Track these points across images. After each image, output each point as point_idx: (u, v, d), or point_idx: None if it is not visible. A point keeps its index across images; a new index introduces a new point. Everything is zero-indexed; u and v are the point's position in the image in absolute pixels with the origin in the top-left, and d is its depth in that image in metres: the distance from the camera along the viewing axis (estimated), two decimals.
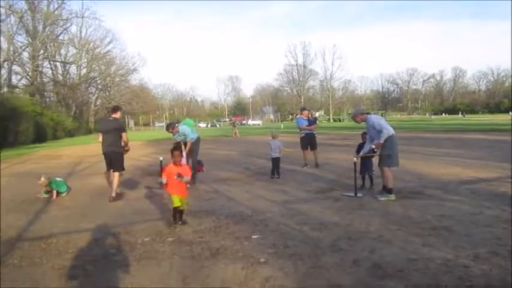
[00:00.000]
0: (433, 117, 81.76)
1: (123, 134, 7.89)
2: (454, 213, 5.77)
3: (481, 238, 4.55)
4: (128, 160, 9.39)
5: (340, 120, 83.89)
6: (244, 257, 4.12)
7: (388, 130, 6.85)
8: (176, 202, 5.49)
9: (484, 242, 4.39)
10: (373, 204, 6.52)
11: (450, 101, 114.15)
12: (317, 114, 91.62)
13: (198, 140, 9.82)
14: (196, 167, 9.99)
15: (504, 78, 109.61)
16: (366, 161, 7.78)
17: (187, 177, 5.57)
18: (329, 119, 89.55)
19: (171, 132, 9.68)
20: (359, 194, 7.19)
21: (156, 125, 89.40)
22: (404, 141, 19.44)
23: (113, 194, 7.64)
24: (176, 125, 9.76)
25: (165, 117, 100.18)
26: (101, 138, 7.89)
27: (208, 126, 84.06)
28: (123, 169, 8.02)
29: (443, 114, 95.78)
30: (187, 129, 9.62)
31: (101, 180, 10.47)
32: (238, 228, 5.26)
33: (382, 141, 6.88)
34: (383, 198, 6.82)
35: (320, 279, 3.51)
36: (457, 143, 18.69)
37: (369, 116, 7.25)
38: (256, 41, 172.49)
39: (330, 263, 3.87)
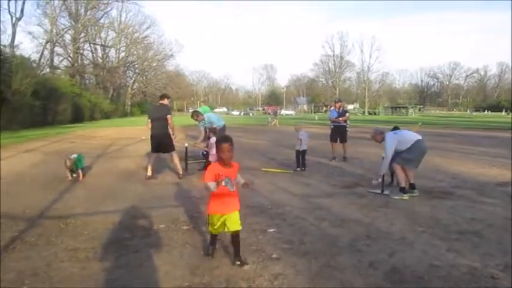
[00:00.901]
0: (474, 113, 78.37)
1: (169, 117, 8.30)
2: (485, 216, 5.41)
3: None
4: None
5: (375, 114, 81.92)
6: (256, 251, 4.00)
7: (388, 157, 6.67)
8: (218, 225, 3.70)
9: None
10: (399, 203, 6.22)
11: (494, 98, 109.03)
12: (351, 107, 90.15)
13: (224, 127, 9.74)
14: None
15: None
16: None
17: (245, 181, 3.91)
18: (364, 112, 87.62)
19: (196, 119, 9.65)
20: (386, 192, 6.89)
21: (190, 110, 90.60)
22: (441, 138, 18.71)
23: (180, 172, 8.45)
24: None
25: (199, 103, 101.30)
26: (150, 125, 8.39)
27: (241, 114, 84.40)
28: (174, 149, 8.53)
29: (486, 111, 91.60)
30: (213, 116, 9.55)
31: (129, 163, 10.64)
32: (255, 221, 5.13)
33: (383, 171, 6.82)
34: (396, 197, 6.53)
35: (332, 280, 3.33)
36: (497, 141, 17.74)
37: (387, 137, 6.92)
38: (294, 30, 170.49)
39: (345, 264, 3.67)
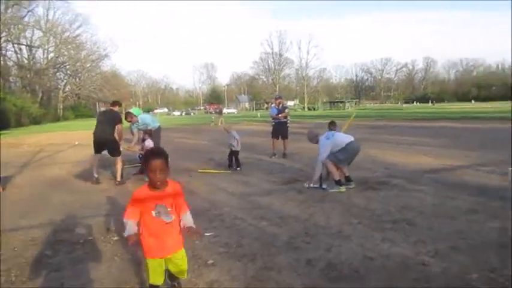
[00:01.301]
0: (404, 105, 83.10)
1: (119, 126, 8.17)
2: (416, 204, 5.61)
3: (443, 231, 4.39)
4: (87, 149, 8.90)
5: (314, 109, 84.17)
6: (192, 258, 3.79)
7: (322, 157, 6.76)
8: (159, 272, 2.83)
9: (445, 236, 4.22)
10: (336, 196, 6.30)
11: (421, 90, 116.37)
12: (292, 103, 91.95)
13: (159, 128, 9.38)
14: None
15: (472, 68, 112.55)
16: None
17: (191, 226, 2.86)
18: (304, 108, 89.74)
19: (130, 121, 9.20)
20: (324, 186, 6.97)
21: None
22: (375, 130, 19.52)
23: (119, 178, 7.99)
24: (151, 112, 9.36)
25: (139, 104, 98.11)
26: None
27: (183, 114, 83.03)
28: (120, 154, 8.21)
29: (415, 102, 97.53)
30: (147, 118, 9.17)
31: (58, 171, 9.93)
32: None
33: (317, 175, 6.90)
34: (333, 190, 6.64)
35: (269, 282, 3.23)
36: (426, 131, 18.85)
37: (320, 140, 7.05)
38: (233, 28, 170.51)
39: (282, 264, 3.59)
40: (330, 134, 7.14)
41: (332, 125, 7.86)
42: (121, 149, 8.30)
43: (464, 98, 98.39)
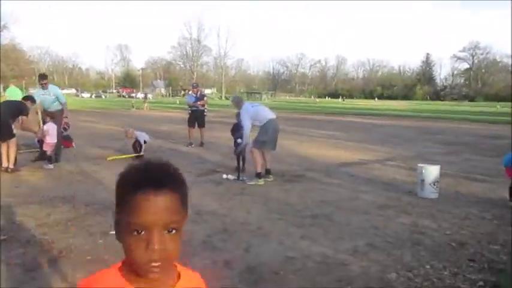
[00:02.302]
0: (317, 100, 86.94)
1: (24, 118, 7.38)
2: (334, 198, 5.65)
3: (360, 227, 4.41)
4: None
5: None
6: (91, 262, 3.31)
7: (247, 128, 6.71)
8: None
9: (362, 232, 4.24)
10: (255, 189, 6.13)
11: (333, 86, 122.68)
12: (209, 92, 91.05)
13: (62, 111, 8.41)
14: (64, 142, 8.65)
15: (377, 68, 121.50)
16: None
17: None
18: (221, 97, 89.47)
19: (43, 84, 7.99)
20: (242, 177, 6.77)
21: (31, 91, 79.68)
22: (291, 123, 19.92)
23: (11, 166, 6.92)
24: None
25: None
26: None
27: (93, 97, 77.75)
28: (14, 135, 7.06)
29: (327, 97, 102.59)
30: (59, 90, 8.23)
31: None
32: (96, 221, 4.38)
33: (244, 143, 6.84)
34: (251, 183, 6.50)
35: None
36: (337, 125, 19.74)
37: (243, 106, 6.88)
38: (151, 10, 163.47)
39: (198, 266, 3.25)
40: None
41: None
42: (14, 129, 7.19)
43: (370, 95, 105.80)
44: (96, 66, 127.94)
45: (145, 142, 8.71)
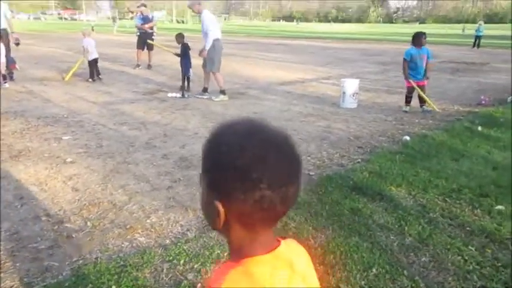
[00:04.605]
0: (271, 23, 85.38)
1: None
2: (266, 110, 6.43)
3: None
4: None
5: (183, 22, 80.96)
6: (49, 158, 3.92)
7: (215, 34, 6.89)
8: None
9: None
10: (197, 105, 6.75)
11: (288, 9, 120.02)
12: (160, 15, 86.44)
13: (6, 32, 8.31)
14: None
15: None
16: (185, 62, 7.73)
17: None
18: (172, 20, 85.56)
19: None
20: (186, 95, 7.33)
21: None
22: (242, 46, 20.14)
23: None
24: None
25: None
26: None
27: (31, 18, 71.80)
28: None
29: (281, 21, 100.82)
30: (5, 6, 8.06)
31: None
32: (49, 130, 4.90)
33: (208, 47, 6.91)
34: (217, 99, 7.08)
35: (126, 173, 3.61)
36: (287, 48, 20.21)
37: (205, 10, 7.03)
38: None
39: (140, 159, 3.98)
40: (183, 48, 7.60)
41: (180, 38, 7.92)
42: None
43: (325, 19, 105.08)
44: None
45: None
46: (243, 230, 0.69)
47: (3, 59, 7.60)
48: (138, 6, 11.82)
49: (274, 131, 0.69)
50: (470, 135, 4.92)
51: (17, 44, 8.77)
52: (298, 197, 0.68)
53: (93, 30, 29.05)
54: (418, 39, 6.45)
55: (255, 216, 0.66)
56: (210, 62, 7.07)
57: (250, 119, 0.72)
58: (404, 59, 6.50)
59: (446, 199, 3.13)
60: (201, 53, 7.07)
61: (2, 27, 8.14)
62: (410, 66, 6.44)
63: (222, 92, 7.20)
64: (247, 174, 0.63)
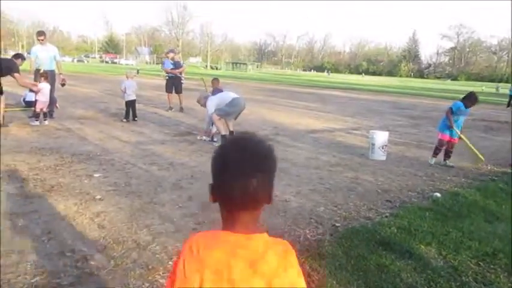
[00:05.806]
0: (302, 73, 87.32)
1: (16, 75, 7.50)
2: (293, 157, 6.43)
3: (308, 178, 5.20)
4: None
5: (217, 68, 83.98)
6: (79, 194, 4.02)
7: (211, 111, 7.06)
8: None
9: (308, 181, 5.03)
10: None
11: (319, 59, 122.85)
12: (195, 60, 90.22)
13: (54, 73, 8.88)
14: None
15: (365, 43, 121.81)
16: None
17: None
18: (206, 66, 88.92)
19: (40, 40, 8.53)
20: (215, 139, 7.46)
21: (11, 53, 77.48)
22: (272, 93, 20.59)
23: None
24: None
25: (22, 46, 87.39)
26: None
27: (75, 61, 76.23)
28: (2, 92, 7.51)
29: (312, 71, 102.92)
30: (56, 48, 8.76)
31: None
32: (81, 167, 5.05)
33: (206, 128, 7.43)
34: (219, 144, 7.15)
35: (152, 213, 3.64)
36: (317, 97, 20.47)
37: (209, 98, 7.40)
38: None
39: (166, 199, 4.02)
40: (216, 91, 7.81)
41: (216, 81, 8.62)
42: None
43: (356, 70, 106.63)
44: (78, 29, 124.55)
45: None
46: (221, 208, 1.03)
47: (46, 99, 8.02)
48: (166, 53, 12.49)
49: (251, 140, 1.03)
50: (505, 197, 4.73)
51: (63, 85, 9.28)
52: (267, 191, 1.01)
53: (138, 73, 30.73)
54: (471, 99, 6.51)
55: (220, 198, 1.01)
56: (222, 111, 7.07)
57: (243, 135, 1.05)
58: (451, 109, 6.49)
59: (480, 263, 2.98)
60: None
61: (51, 68, 8.71)
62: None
63: (223, 137, 6.87)
64: (217, 168, 1.01)
